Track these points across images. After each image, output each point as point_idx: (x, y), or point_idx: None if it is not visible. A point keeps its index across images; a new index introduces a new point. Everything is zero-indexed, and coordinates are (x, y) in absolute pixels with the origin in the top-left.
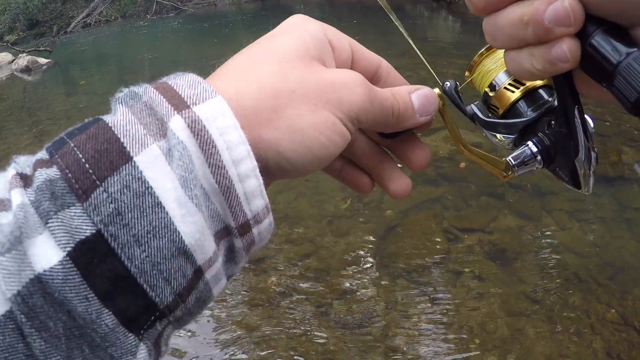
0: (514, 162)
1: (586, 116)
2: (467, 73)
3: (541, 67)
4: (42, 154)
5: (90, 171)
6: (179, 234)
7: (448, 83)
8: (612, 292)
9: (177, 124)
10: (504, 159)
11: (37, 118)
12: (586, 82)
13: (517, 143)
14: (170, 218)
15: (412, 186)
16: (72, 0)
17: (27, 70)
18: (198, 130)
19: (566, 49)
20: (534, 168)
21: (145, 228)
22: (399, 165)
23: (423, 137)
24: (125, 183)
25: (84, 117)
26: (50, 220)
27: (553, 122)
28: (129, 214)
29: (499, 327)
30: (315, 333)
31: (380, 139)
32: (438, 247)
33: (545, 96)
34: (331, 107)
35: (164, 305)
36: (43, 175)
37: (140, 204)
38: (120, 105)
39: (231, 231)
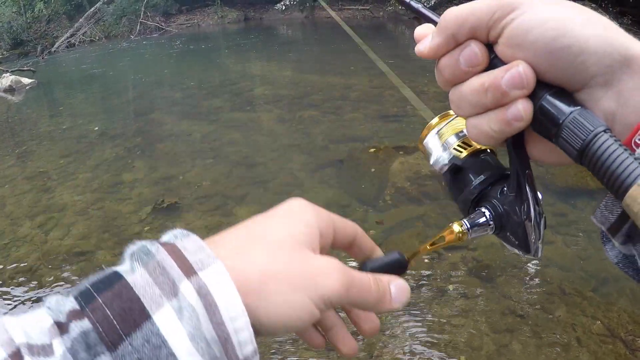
0: (468, 226)
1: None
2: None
3: (498, 128)
4: (73, 304)
5: (118, 327)
6: None
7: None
8: (597, 304)
9: (187, 289)
10: (457, 223)
11: (20, 138)
12: (537, 146)
13: (471, 210)
14: None
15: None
16: (56, 20)
17: (10, 90)
18: (204, 294)
19: (521, 108)
20: (485, 233)
21: None
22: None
23: (405, 155)
24: (146, 338)
25: (67, 138)
26: None
27: (505, 188)
28: None
29: (485, 343)
30: (302, 356)
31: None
32: (422, 265)
33: (493, 162)
34: (307, 290)
35: None
36: (78, 327)
37: (158, 355)
38: (137, 263)
39: None
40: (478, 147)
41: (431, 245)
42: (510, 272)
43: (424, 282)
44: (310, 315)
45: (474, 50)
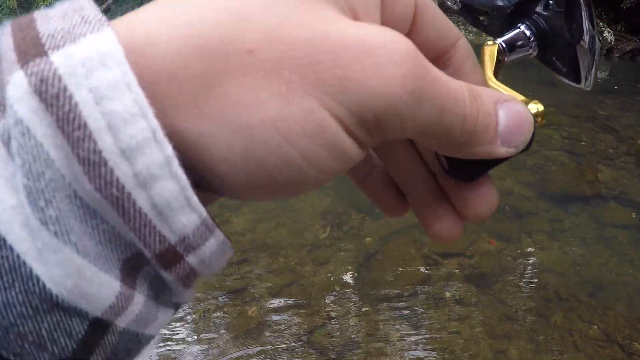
0: (504, 46)
1: None
2: None
3: None
4: None
5: None
6: (38, 280)
7: None
8: (594, 309)
9: (16, 88)
10: (492, 41)
11: None
12: None
13: (506, 29)
14: (18, 255)
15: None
16: None
17: None
18: (52, 96)
19: None
20: (527, 54)
21: None
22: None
23: None
24: None
25: None
26: None
27: (551, 1)
28: None
29: (482, 349)
30: None
31: (439, 168)
32: (418, 272)
33: None
34: (324, 92)
35: None
36: None
37: None
38: None
39: (148, 261)
40: None
41: (494, 74)
42: (506, 278)
43: (420, 289)
44: (336, 154)
45: None
